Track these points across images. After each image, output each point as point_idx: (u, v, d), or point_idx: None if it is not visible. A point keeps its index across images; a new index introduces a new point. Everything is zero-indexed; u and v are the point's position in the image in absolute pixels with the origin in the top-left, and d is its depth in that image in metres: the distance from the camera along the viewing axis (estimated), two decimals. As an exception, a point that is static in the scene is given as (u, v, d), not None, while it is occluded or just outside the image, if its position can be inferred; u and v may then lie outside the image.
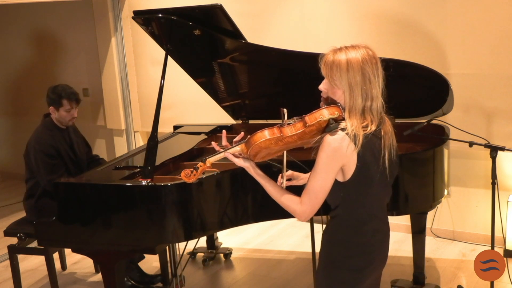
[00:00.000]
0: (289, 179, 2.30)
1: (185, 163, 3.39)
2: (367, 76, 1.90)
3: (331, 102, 1.98)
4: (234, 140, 2.10)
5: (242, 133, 2.17)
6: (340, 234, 2.05)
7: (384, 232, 2.13)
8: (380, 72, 1.95)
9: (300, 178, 2.33)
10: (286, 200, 2.00)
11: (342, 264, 2.05)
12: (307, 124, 1.91)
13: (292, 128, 1.94)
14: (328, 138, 1.88)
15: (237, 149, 2.05)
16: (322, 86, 1.99)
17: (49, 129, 3.66)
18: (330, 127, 1.90)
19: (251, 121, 3.99)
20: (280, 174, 2.24)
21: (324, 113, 1.90)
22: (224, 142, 2.13)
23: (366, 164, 1.94)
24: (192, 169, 2.07)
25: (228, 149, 2.07)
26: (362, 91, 1.90)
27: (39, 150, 3.55)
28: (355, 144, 1.89)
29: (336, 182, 1.96)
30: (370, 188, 2.01)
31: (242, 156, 2.07)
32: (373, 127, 1.93)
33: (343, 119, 1.91)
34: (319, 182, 1.92)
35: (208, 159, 2.08)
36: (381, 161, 1.99)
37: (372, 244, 2.08)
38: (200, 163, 2.08)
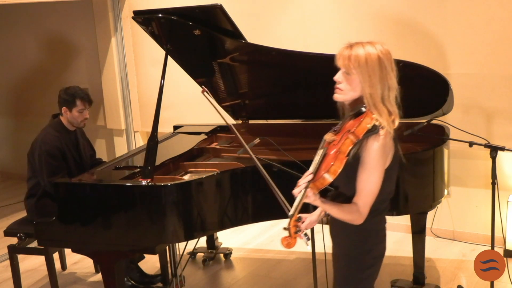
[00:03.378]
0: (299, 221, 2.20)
1: (185, 163, 3.39)
2: (384, 66, 2.00)
3: (349, 100, 2.05)
4: (305, 182, 1.99)
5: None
6: (368, 224, 2.09)
7: None
8: (394, 67, 2.04)
9: (314, 215, 2.27)
10: (349, 215, 2.03)
11: (371, 252, 2.14)
12: (359, 137, 1.96)
13: (346, 146, 1.96)
14: (374, 138, 1.97)
15: (309, 193, 1.96)
16: (337, 76, 2.04)
17: (56, 130, 3.67)
18: (373, 131, 1.96)
19: (251, 121, 3.99)
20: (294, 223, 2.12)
21: (368, 121, 1.97)
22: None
23: (397, 153, 2.08)
24: (287, 237, 1.99)
25: (301, 197, 1.97)
26: (380, 79, 1.99)
27: (44, 150, 3.55)
28: (392, 138, 2.02)
29: None
30: (395, 174, 2.14)
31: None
32: (397, 121, 2.03)
33: (377, 120, 1.99)
34: (375, 183, 2.01)
35: (291, 215, 1.97)
36: (398, 147, 2.12)
37: (385, 229, 2.21)
38: (290, 225, 1.98)
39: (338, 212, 2.04)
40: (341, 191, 2.14)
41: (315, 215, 2.26)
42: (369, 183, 2.00)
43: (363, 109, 2.00)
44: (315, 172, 1.99)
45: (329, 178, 1.95)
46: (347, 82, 2.02)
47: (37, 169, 3.61)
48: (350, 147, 1.96)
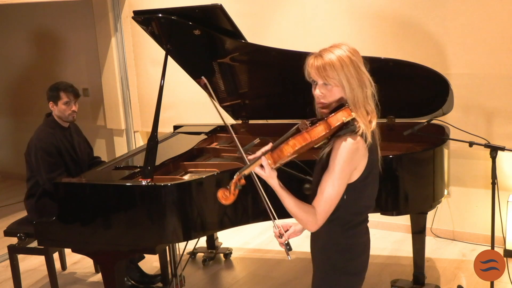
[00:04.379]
0: (286, 230, 2.15)
1: (185, 163, 3.39)
2: (357, 65, 1.93)
3: (333, 106, 1.96)
4: (262, 150, 1.97)
5: (271, 144, 2.00)
6: (341, 238, 2.02)
7: (368, 229, 2.13)
8: (364, 62, 1.98)
9: (299, 225, 2.16)
10: (304, 214, 1.92)
11: (344, 268, 2.04)
12: (331, 127, 1.90)
13: (315, 132, 1.90)
14: (346, 142, 1.88)
15: (263, 161, 1.93)
16: (318, 91, 1.95)
17: (50, 127, 3.67)
18: (347, 129, 1.89)
19: (251, 121, 3.99)
20: (275, 225, 2.08)
21: (345, 115, 1.90)
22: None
23: (372, 162, 1.97)
24: (225, 189, 1.99)
25: (254, 161, 1.95)
26: (358, 81, 1.92)
27: (39, 148, 3.56)
28: (366, 142, 1.92)
29: None
30: (372, 185, 2.01)
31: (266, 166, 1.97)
32: (375, 121, 1.95)
33: (354, 119, 1.91)
34: (337, 188, 1.90)
35: (237, 173, 1.98)
36: (378, 156, 2.02)
37: (366, 243, 2.09)
38: (232, 180, 1.99)
39: (292, 204, 1.92)
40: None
41: (300, 225, 2.16)
42: (329, 188, 1.89)
43: (344, 104, 1.93)
44: (275, 146, 1.94)
45: (286, 150, 1.90)
46: (329, 94, 1.94)
47: (34, 168, 3.61)
48: (321, 134, 1.89)
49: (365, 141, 1.92)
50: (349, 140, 1.88)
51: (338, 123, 1.89)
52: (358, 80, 1.92)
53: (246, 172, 1.97)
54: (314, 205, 1.93)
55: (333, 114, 1.91)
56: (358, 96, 1.92)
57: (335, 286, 2.06)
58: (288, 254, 2.04)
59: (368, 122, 1.93)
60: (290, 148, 1.90)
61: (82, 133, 3.96)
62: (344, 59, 1.91)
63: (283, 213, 2.06)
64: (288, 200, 1.93)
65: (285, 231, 2.10)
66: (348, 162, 1.89)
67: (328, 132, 1.90)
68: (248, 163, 1.98)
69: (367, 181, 1.98)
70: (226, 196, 1.98)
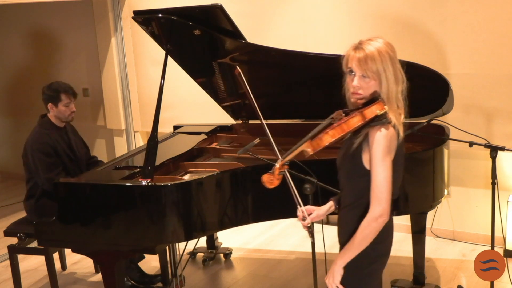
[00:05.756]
0: (309, 214, 2.25)
1: (185, 163, 3.39)
2: (394, 61, 2.02)
3: (367, 99, 2.04)
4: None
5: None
6: None
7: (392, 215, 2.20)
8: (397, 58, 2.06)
9: (322, 209, 2.27)
10: (368, 227, 1.99)
11: (371, 251, 2.08)
12: (366, 119, 1.98)
13: (351, 122, 2.00)
14: (380, 131, 1.96)
15: (303, 148, 2.06)
16: (356, 83, 2.02)
17: (46, 128, 3.67)
18: (381, 121, 1.98)
19: (251, 121, 3.99)
20: (299, 209, 2.24)
21: (379, 108, 1.99)
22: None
23: (400, 151, 2.05)
24: (270, 174, 2.11)
25: (296, 147, 2.07)
26: (394, 77, 2.00)
27: (36, 149, 3.56)
28: (398, 134, 2.01)
29: (366, 171, 2.01)
30: (397, 174, 2.08)
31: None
32: (403, 116, 2.04)
33: (386, 112, 1.99)
34: (385, 172, 1.96)
35: (281, 159, 2.13)
36: (404, 146, 2.11)
37: (389, 228, 2.18)
38: (275, 167, 2.13)
39: (357, 240, 2.00)
40: (344, 192, 2.13)
41: (323, 209, 2.26)
42: (377, 178, 1.96)
43: (378, 98, 2.01)
44: (314, 135, 2.04)
45: (325, 140, 2.00)
46: (366, 86, 2.01)
47: (32, 169, 3.61)
48: (356, 125, 1.98)
49: (397, 134, 2.01)
50: (383, 129, 1.97)
51: (372, 116, 1.98)
52: (394, 76, 2.00)
53: (289, 158, 2.11)
54: (372, 197, 1.98)
55: (368, 106, 1.99)
56: (392, 91, 2.00)
57: (359, 269, 2.11)
58: (310, 236, 2.25)
59: (398, 114, 2.02)
60: (330, 138, 2.00)
61: (78, 133, 3.95)
62: (384, 54, 1.99)
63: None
64: (353, 245, 2.02)
65: (308, 215, 2.22)
66: (387, 147, 1.97)
67: (361, 124, 2.00)
68: (280, 157, 2.15)
69: (394, 169, 2.03)
70: (271, 181, 2.11)
